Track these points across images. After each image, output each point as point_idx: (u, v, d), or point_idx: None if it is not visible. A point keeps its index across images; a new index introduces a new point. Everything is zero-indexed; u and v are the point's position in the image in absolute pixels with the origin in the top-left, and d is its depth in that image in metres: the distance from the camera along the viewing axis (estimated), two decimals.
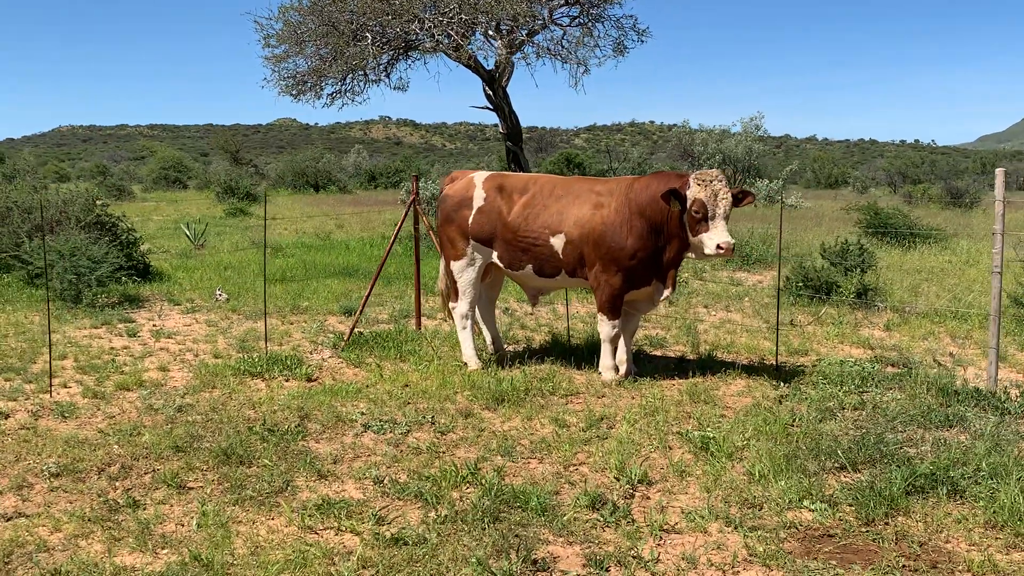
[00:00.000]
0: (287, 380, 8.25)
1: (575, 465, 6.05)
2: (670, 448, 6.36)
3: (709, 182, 7.59)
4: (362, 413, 7.10)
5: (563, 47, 17.68)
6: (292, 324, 10.92)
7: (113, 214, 14.30)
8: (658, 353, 9.34)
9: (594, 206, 8.05)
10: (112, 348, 9.52)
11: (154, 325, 10.85)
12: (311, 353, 9.35)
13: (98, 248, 12.13)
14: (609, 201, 8.03)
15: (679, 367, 8.56)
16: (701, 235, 7.64)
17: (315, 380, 8.25)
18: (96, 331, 10.44)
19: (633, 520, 5.16)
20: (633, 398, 7.61)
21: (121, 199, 40.75)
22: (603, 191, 8.15)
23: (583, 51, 17.84)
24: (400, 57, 17.64)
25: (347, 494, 5.53)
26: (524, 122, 17.67)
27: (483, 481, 5.57)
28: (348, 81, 17.85)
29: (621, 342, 8.32)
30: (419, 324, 10.15)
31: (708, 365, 8.53)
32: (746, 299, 12.53)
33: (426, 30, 16.12)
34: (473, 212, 8.50)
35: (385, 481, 5.71)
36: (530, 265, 8.31)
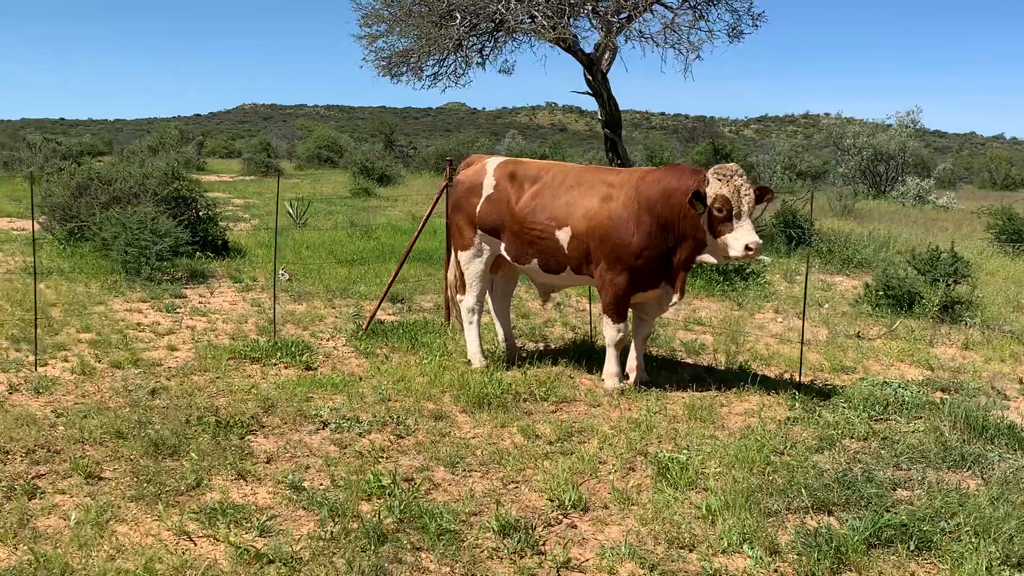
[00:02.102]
0: (286, 367, 7.99)
1: (517, 483, 5.53)
2: (632, 470, 5.76)
3: (730, 177, 6.90)
4: (332, 409, 6.76)
5: (674, 31, 16.84)
6: (334, 308, 10.69)
7: (195, 188, 14.41)
8: (689, 360, 8.63)
9: (603, 198, 7.43)
10: (140, 324, 9.49)
11: (200, 302, 10.82)
12: (327, 340, 9.07)
13: (162, 222, 12.19)
14: (619, 194, 7.41)
15: (700, 378, 7.85)
16: (725, 236, 6.92)
17: (313, 369, 7.95)
18: (139, 305, 10.47)
19: (541, 552, 4.63)
20: (628, 410, 6.99)
21: (268, 175, 42.12)
22: (615, 183, 7.51)
23: (696, 35, 16.95)
24: (492, 39, 17.16)
25: (254, 498, 5.18)
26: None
27: (398, 495, 5.12)
28: (448, 62, 17.52)
29: (633, 348, 7.69)
30: (448, 316, 9.73)
31: (733, 378, 7.79)
32: (826, 306, 11.56)
33: (512, 10, 15.56)
34: (482, 200, 8.01)
35: (303, 487, 5.33)
36: (536, 259, 7.76)
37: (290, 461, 5.77)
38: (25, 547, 4.47)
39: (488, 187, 7.99)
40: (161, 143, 34.31)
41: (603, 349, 8.51)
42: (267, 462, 5.75)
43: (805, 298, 8.08)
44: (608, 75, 16.97)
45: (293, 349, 8.30)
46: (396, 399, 7.09)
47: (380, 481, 5.28)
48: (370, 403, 6.94)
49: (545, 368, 8.01)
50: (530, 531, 4.81)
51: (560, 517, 5.06)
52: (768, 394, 7.33)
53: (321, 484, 5.39)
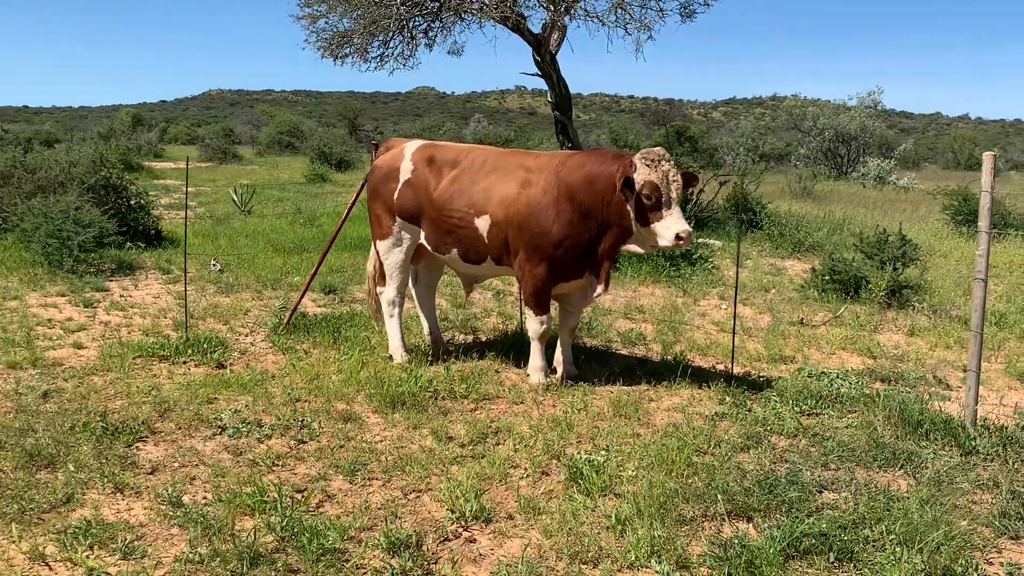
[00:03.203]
0: (196, 366, 7.54)
1: (419, 492, 5.14)
2: (545, 474, 5.38)
3: (658, 162, 6.51)
4: (234, 412, 6.33)
5: (624, 10, 16.44)
6: (261, 301, 10.24)
7: (125, 176, 13.87)
8: (624, 352, 8.26)
9: (521, 184, 7.02)
10: (51, 320, 9.00)
11: (121, 296, 10.33)
12: (246, 335, 8.63)
13: (86, 212, 11.67)
14: (538, 179, 6.99)
15: (631, 370, 7.49)
16: (654, 224, 6.53)
17: (225, 367, 7.51)
18: (56, 300, 9.98)
19: (429, 572, 4.24)
20: (552, 407, 6.61)
21: (225, 162, 41.43)
22: (533, 167, 7.10)
23: (646, 15, 16.57)
24: (438, 19, 16.68)
25: (128, 515, 4.76)
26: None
27: (282, 510, 4.71)
28: (394, 44, 17.04)
29: (559, 341, 7.31)
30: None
31: (666, 370, 7.43)
32: (772, 291, 11.25)
33: None
34: (399, 186, 7.58)
35: (183, 501, 4.91)
36: (456, 249, 7.34)
37: (176, 472, 5.34)
38: None
39: (406, 172, 7.56)
40: (112, 130, 33.42)
41: (513, 347, 8.17)
42: (151, 473, 5.32)
43: (737, 285, 7.71)
44: (557, 56, 16.58)
45: (205, 346, 7.86)
46: (306, 400, 6.67)
47: (265, 494, 4.86)
48: (277, 404, 6.51)
49: (471, 362, 7.62)
50: (422, 548, 4.42)
51: (459, 530, 4.67)
52: (699, 387, 6.98)
53: (204, 497, 4.97)
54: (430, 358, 7.71)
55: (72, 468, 5.23)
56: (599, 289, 6.97)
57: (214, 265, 12.09)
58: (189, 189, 26.20)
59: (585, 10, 15.60)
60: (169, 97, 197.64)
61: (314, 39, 16.52)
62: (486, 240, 7.12)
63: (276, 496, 4.85)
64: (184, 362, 7.61)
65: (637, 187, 6.48)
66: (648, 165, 6.48)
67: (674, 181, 6.49)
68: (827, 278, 10.48)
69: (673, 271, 11.89)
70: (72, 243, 11.24)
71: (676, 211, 6.50)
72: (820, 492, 5.09)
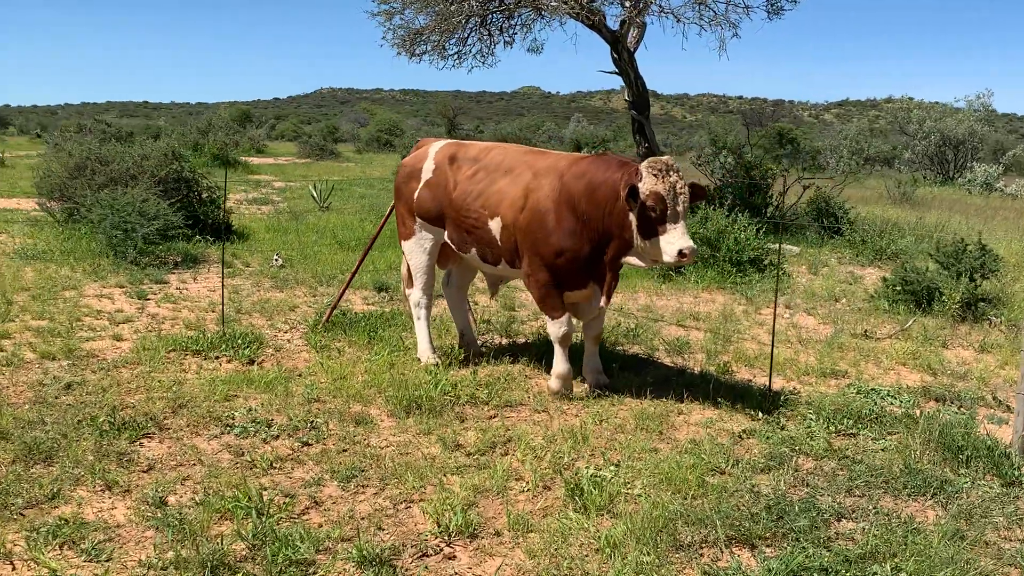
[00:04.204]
0: (228, 361, 7.49)
1: (410, 503, 4.93)
2: (547, 489, 5.12)
3: (666, 172, 6.03)
4: (247, 410, 6.22)
5: (708, 7, 15.97)
6: (314, 297, 10.18)
7: (195, 170, 14.03)
8: (667, 361, 7.91)
9: (527, 187, 6.69)
10: (101, 311, 9.09)
11: (176, 288, 10.41)
12: (286, 332, 8.56)
13: (152, 204, 11.81)
14: (543, 183, 6.63)
15: (667, 381, 7.15)
16: (657, 238, 6.08)
17: (256, 363, 7.44)
18: (113, 290, 10.09)
19: None
20: (576, 416, 6.33)
21: (323, 158, 42.10)
22: (541, 169, 6.74)
23: (732, 13, 16.06)
24: (517, 15, 16.46)
25: (109, 514, 4.67)
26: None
27: (261, 516, 4.56)
28: (472, 41, 16.89)
29: (585, 350, 7.00)
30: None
31: (703, 382, 7.08)
32: (842, 300, 10.71)
33: None
34: (420, 186, 7.38)
35: (168, 502, 4.80)
36: (475, 249, 7.09)
37: (171, 470, 5.25)
38: None
39: (427, 172, 7.37)
40: (210, 125, 34.22)
41: (576, 348, 7.91)
42: (146, 471, 5.23)
43: (776, 294, 7.29)
44: (635, 53, 16.19)
45: (239, 342, 7.80)
46: (324, 400, 6.54)
47: (247, 498, 4.71)
48: (294, 404, 6.39)
49: (502, 367, 7.39)
50: (396, 564, 4.21)
51: (441, 545, 4.45)
52: (734, 401, 6.61)
53: (191, 499, 4.85)
54: (463, 361, 7.50)
55: (68, 463, 5.19)
56: (601, 302, 6.63)
57: (276, 260, 12.12)
58: (278, 184, 26.63)
59: (660, 6, 15.17)
60: (282, 95, 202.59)
61: (391, 36, 16.47)
62: (499, 243, 6.86)
63: (258, 500, 4.69)
64: (216, 357, 7.56)
65: (642, 197, 6.04)
66: (655, 175, 6.03)
67: (681, 194, 6.02)
68: (898, 288, 9.92)
69: (739, 277, 11.45)
70: (136, 235, 11.38)
71: (681, 225, 6.03)
72: (837, 520, 4.71)
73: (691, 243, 6.00)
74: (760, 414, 6.28)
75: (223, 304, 8.61)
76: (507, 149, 7.21)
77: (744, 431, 6.00)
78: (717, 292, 11.08)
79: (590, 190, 6.32)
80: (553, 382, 6.80)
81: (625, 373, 7.32)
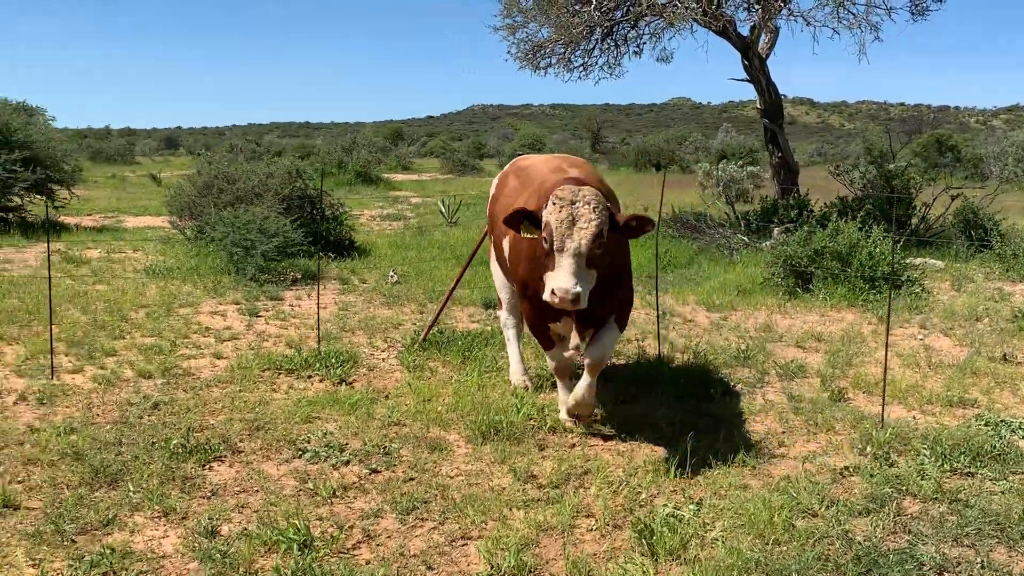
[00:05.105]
0: (320, 381, 7.39)
1: (468, 539, 4.65)
2: (618, 529, 4.73)
3: (569, 203, 5.28)
4: (323, 433, 6.06)
5: (847, 10, 15.19)
6: (421, 314, 10.04)
7: (319, 188, 14.16)
8: (777, 385, 7.36)
9: (519, 206, 5.86)
10: (210, 328, 9.17)
11: (290, 305, 10.46)
12: (383, 350, 8.42)
13: (273, 221, 11.96)
14: (531, 202, 5.86)
15: (771, 408, 6.64)
16: (547, 272, 5.42)
17: (346, 383, 7.31)
18: (228, 307, 10.21)
19: None
20: (665, 447, 5.90)
21: (464, 174, 42.62)
22: (536, 187, 6.13)
23: (874, 14, 15.23)
24: (647, 24, 16.04)
25: (157, 544, 4.56)
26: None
27: (305, 552, 4.35)
28: (597, 52, 16.57)
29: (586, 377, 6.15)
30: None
31: (812, 410, 6.54)
32: (984, 319, 9.85)
33: None
34: (488, 202, 7.23)
35: (221, 532, 4.66)
36: (502, 269, 6.86)
37: (232, 497, 5.11)
38: None
39: (493, 188, 7.19)
40: (354, 143, 35.04)
41: (676, 370, 7.49)
42: (208, 497, 5.12)
43: (889, 314, 6.66)
44: (767, 59, 15.55)
45: (333, 360, 7.69)
46: (404, 423, 6.33)
47: (295, 531, 4.51)
48: (372, 428, 6.21)
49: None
50: None
51: None
52: (843, 433, 6.05)
53: (243, 529, 4.69)
54: (552, 384, 7.16)
55: (131, 487, 5.12)
56: (571, 344, 6.05)
57: (392, 276, 12.07)
58: (415, 200, 26.92)
59: (789, 9, 14.49)
60: (436, 112, 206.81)
61: (515, 50, 16.32)
62: (508, 265, 6.51)
63: (303, 534, 4.48)
64: (308, 376, 7.48)
65: (542, 226, 5.41)
66: (555, 203, 5.31)
67: (582, 229, 5.23)
68: None
69: (872, 294, 10.70)
70: (256, 252, 11.52)
71: (568, 263, 5.22)
72: (938, 574, 4.16)
73: (566, 285, 5.12)
74: (868, 448, 5.71)
75: (318, 322, 8.53)
76: (547, 161, 6.76)
77: (847, 467, 5.45)
78: (847, 310, 10.37)
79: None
80: (561, 411, 6.37)
81: (726, 399, 6.83)
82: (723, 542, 4.47)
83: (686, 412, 6.51)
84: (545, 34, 16.08)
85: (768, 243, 13.75)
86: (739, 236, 14.71)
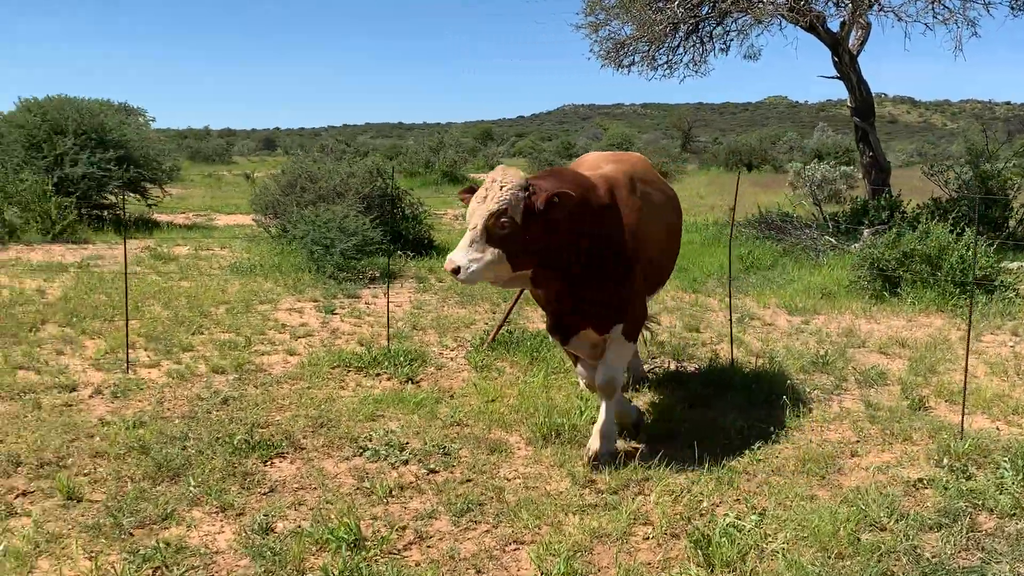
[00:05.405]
0: (388, 379, 7.40)
1: (520, 544, 4.57)
2: (674, 537, 4.60)
3: (488, 182, 5.22)
4: (386, 432, 6.05)
5: (943, 5, 14.68)
6: (494, 314, 10.00)
7: (400, 187, 14.26)
8: (854, 393, 7.10)
9: None
10: (286, 325, 9.28)
11: (366, 303, 10.52)
12: (452, 349, 8.39)
13: (352, 220, 12.06)
14: None
15: (846, 417, 6.41)
16: None
17: (413, 382, 7.30)
18: (305, 304, 10.32)
19: None
20: (731, 454, 5.73)
21: None
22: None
23: (972, 10, 14.69)
24: (733, 21, 15.73)
25: (212, 539, 4.59)
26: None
27: (355, 552, 4.33)
28: (681, 50, 16.31)
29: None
30: None
31: (889, 419, 6.30)
32: None
33: None
34: None
35: (275, 529, 4.67)
36: None
37: (290, 494, 5.13)
38: None
39: None
40: (441, 143, 35.26)
41: (749, 375, 7.31)
42: (266, 493, 5.14)
43: (971, 319, 6.36)
44: (858, 56, 15.11)
45: (402, 359, 7.69)
46: (466, 424, 6.29)
47: (346, 530, 4.49)
48: (435, 427, 6.18)
49: (663, 395, 6.88)
50: None
51: None
52: (919, 443, 5.80)
53: (297, 527, 4.69)
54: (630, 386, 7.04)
55: (192, 482, 5.17)
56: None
57: None
58: None
59: (879, 5, 14.03)
60: (526, 113, 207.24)
61: (597, 48, 16.18)
62: None
63: (355, 533, 4.46)
64: (377, 375, 7.49)
65: None
66: (483, 184, 5.26)
67: (482, 205, 5.11)
68: None
69: (963, 299, 10.28)
70: (335, 250, 11.63)
71: (465, 236, 5.19)
72: None
73: (453, 257, 5.12)
74: (945, 460, 5.46)
75: (388, 321, 8.55)
76: (598, 157, 6.57)
77: (921, 479, 5.22)
78: (935, 315, 10.00)
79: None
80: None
81: (800, 406, 6.61)
82: (783, 554, 4.30)
83: (756, 419, 6.32)
84: (628, 31, 15.89)
85: (856, 245, 13.36)
86: (826, 238, 14.32)
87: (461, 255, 5.06)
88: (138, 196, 18.43)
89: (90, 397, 6.83)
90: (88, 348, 8.18)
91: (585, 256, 5.39)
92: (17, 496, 5.03)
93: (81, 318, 9.23)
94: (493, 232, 5.05)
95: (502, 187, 5.07)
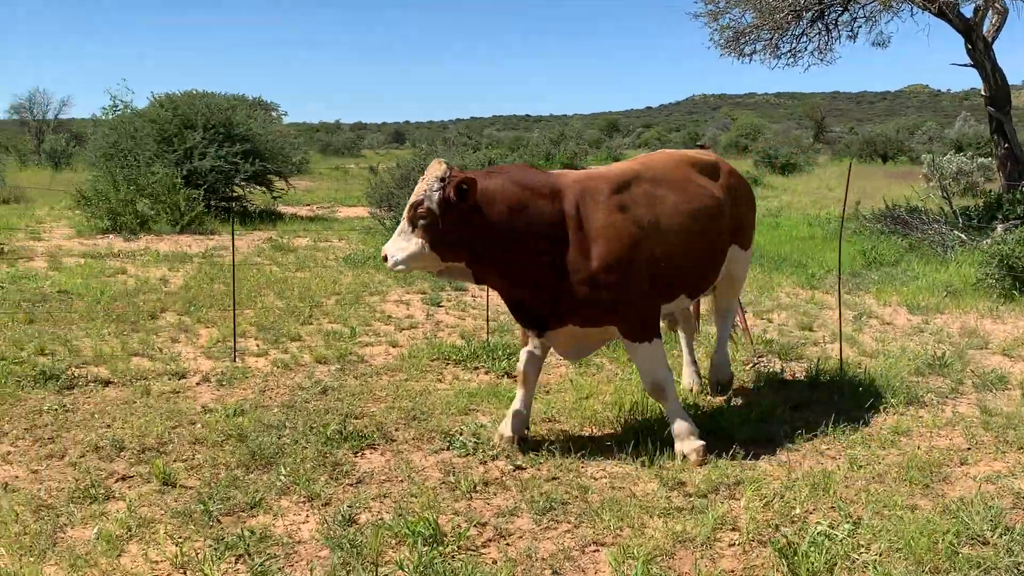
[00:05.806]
0: (485, 373, 7.41)
1: (600, 546, 4.47)
2: (761, 544, 4.43)
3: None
4: (476, 426, 6.04)
5: None
6: None
7: None
8: (971, 397, 6.74)
9: None
10: (392, 316, 9.39)
11: (472, 296, 10.56)
12: None
13: None
14: None
15: (961, 422, 6.09)
16: None
17: (510, 376, 7.27)
18: (413, 296, 10.44)
19: None
20: (832, 459, 5.50)
21: None
22: None
23: None
24: (860, 7, 15.14)
25: (296, 529, 4.65)
26: None
27: (432, 547, 4.32)
28: (805, 38, 15.80)
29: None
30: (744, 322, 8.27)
31: (1005, 425, 5.96)
32: None
33: None
34: None
35: (358, 521, 4.70)
36: None
37: (377, 486, 5.15)
38: (29, 558, 4.29)
39: None
40: (561, 135, 35.20)
41: (858, 376, 7.04)
42: (354, 484, 5.18)
43: None
44: (993, 43, 14.37)
45: (500, 353, 7.68)
46: (559, 420, 6.22)
47: (425, 524, 4.48)
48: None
49: (766, 395, 6.67)
50: None
51: None
52: None
53: (379, 519, 4.71)
54: (722, 387, 6.84)
55: (283, 471, 5.25)
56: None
57: None
58: None
59: None
60: (654, 104, 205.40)
61: (717, 37, 15.82)
62: None
63: (433, 529, 4.44)
64: (475, 368, 7.50)
65: None
66: None
67: (410, 201, 5.25)
68: None
69: None
70: None
71: (396, 229, 5.38)
72: None
73: (385, 245, 5.42)
74: None
75: (487, 314, 8.54)
76: (661, 153, 6.70)
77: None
78: None
79: None
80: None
81: (910, 410, 6.31)
82: (875, 566, 4.09)
83: (861, 422, 6.06)
84: (748, 20, 15.49)
85: (988, 241, 12.71)
86: (956, 233, 13.67)
87: (391, 245, 5.30)
88: (263, 188, 18.95)
89: (197, 384, 7.03)
90: (202, 337, 8.43)
91: (547, 256, 5.31)
92: (117, 480, 5.20)
93: (199, 307, 9.55)
94: (415, 222, 5.18)
95: (424, 181, 5.17)
